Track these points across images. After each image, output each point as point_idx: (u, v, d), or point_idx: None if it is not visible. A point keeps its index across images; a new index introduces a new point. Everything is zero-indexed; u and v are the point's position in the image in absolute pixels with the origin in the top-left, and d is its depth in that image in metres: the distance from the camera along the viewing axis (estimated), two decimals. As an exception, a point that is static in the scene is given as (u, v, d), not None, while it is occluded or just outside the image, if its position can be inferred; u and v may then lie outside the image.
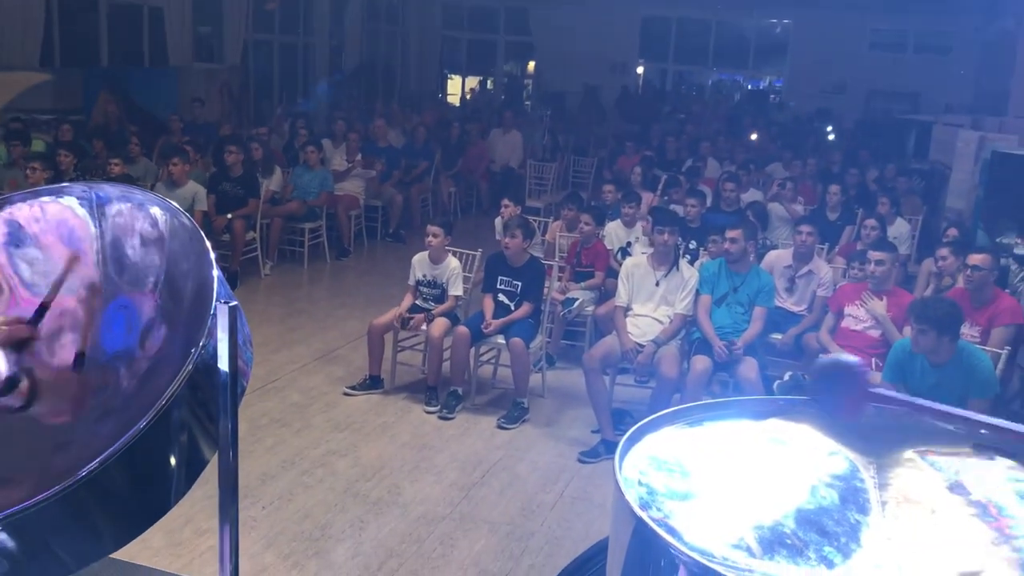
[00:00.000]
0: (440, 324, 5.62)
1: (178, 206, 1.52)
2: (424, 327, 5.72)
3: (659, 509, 1.12)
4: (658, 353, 5.19)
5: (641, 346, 5.26)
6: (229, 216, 7.76)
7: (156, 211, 1.52)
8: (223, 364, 1.33)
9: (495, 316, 5.62)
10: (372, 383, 5.78)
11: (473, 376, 5.77)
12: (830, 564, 1.06)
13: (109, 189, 1.55)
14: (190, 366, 1.30)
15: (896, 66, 16.25)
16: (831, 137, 14.23)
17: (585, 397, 5.72)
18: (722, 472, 1.28)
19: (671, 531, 1.05)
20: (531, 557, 3.98)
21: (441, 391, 5.63)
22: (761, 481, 1.27)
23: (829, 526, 1.13)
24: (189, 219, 1.51)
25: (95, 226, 1.53)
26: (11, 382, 1.28)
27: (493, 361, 6.07)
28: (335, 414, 5.43)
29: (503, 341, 5.58)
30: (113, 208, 1.55)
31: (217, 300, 1.35)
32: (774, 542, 1.09)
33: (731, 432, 1.40)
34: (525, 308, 5.62)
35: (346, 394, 5.71)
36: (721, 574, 0.97)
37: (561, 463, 4.97)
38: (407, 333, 5.98)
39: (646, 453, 1.27)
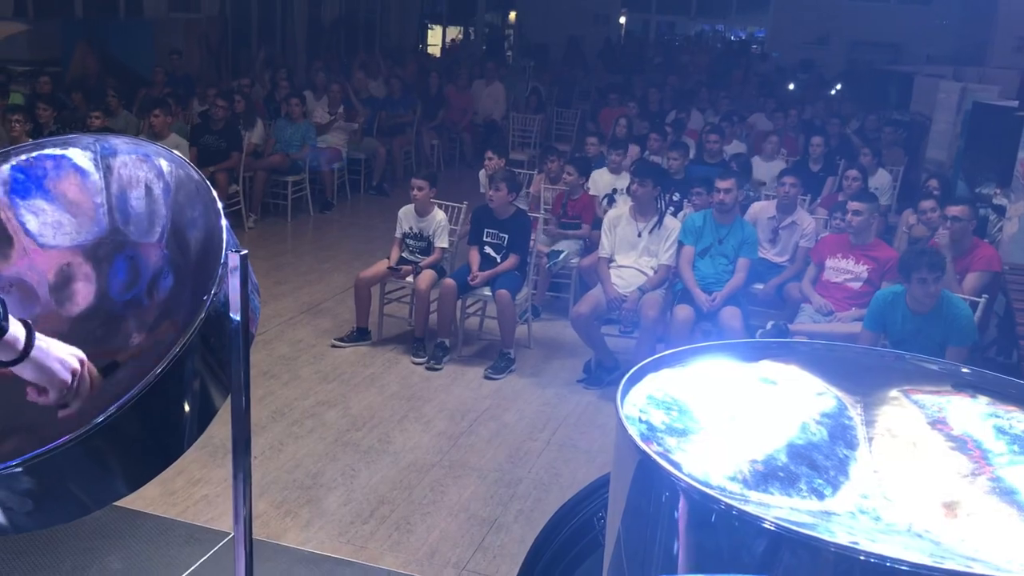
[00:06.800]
0: (427, 276, 5.66)
1: (184, 157, 1.54)
2: (411, 279, 5.75)
3: (659, 444, 1.18)
4: (642, 299, 5.28)
5: (625, 297, 5.34)
6: (211, 169, 7.71)
7: (162, 162, 1.54)
8: (235, 311, 1.36)
9: (481, 268, 5.66)
10: (359, 335, 5.82)
11: (460, 328, 5.82)
12: (820, 495, 1.12)
13: (115, 141, 1.57)
14: (202, 314, 1.33)
15: (878, 16, 16.22)
16: (837, 88, 14.08)
17: (570, 347, 5.82)
18: (717, 410, 1.33)
19: (672, 464, 1.11)
20: (519, 503, 4.07)
21: (428, 342, 5.69)
22: (754, 418, 1.32)
23: (819, 460, 1.20)
24: (196, 170, 1.53)
25: (101, 177, 1.55)
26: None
27: (479, 313, 6.13)
28: (323, 366, 5.48)
29: (489, 293, 5.63)
30: (119, 160, 1.56)
31: (227, 249, 1.38)
32: (768, 475, 1.15)
33: (724, 373, 1.46)
34: (511, 260, 5.66)
35: (334, 346, 5.75)
36: (720, 502, 1.03)
37: (547, 412, 5.05)
38: (394, 285, 6.01)
39: (644, 392, 1.32)
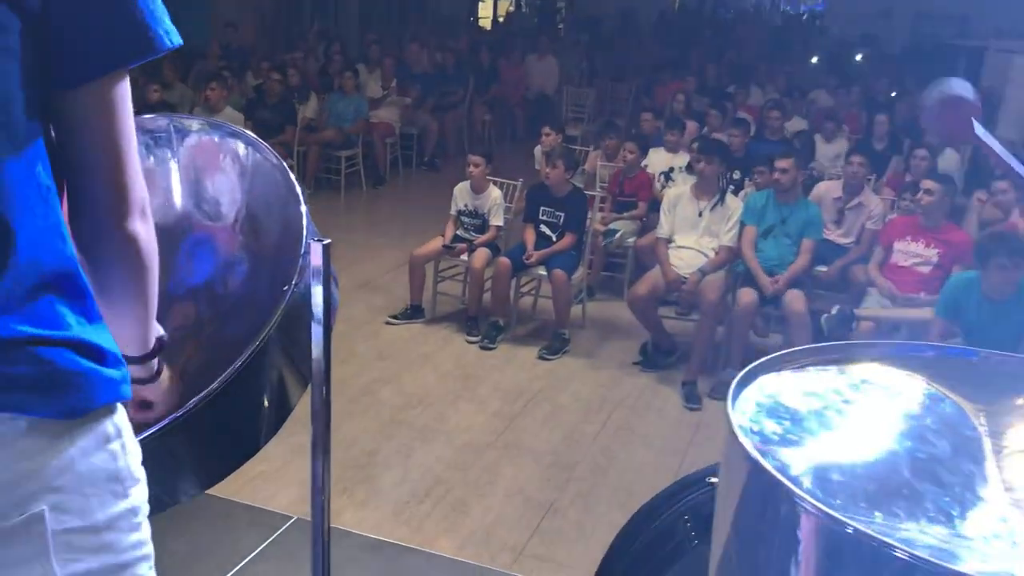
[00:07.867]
0: (481, 255, 5.60)
1: (261, 140, 1.49)
2: (465, 257, 5.70)
3: (774, 457, 1.10)
4: (702, 282, 5.16)
5: (684, 278, 5.22)
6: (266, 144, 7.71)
7: (238, 145, 1.49)
8: (317, 302, 1.31)
9: (536, 247, 5.59)
10: (413, 312, 5.79)
11: (514, 307, 5.76)
12: (949, 517, 1.03)
13: (189, 122, 1.52)
14: (283, 305, 1.28)
15: (944, -12, 15.65)
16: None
17: (625, 329, 5.73)
18: (829, 418, 1.25)
19: (793, 480, 1.03)
20: (576, 486, 4.02)
21: (482, 321, 5.64)
22: (869, 428, 1.24)
23: (944, 476, 1.11)
24: (274, 154, 1.47)
25: (175, 159, 1.51)
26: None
27: (534, 292, 6.06)
28: (378, 343, 5.46)
29: (544, 272, 5.55)
30: (192, 140, 1.52)
31: (308, 237, 1.32)
32: (892, 492, 1.07)
33: (832, 377, 1.37)
34: (567, 239, 5.57)
35: (388, 323, 5.73)
36: (847, 525, 0.95)
37: (603, 394, 4.98)
38: (448, 263, 5.97)
39: (753, 398, 1.24)
